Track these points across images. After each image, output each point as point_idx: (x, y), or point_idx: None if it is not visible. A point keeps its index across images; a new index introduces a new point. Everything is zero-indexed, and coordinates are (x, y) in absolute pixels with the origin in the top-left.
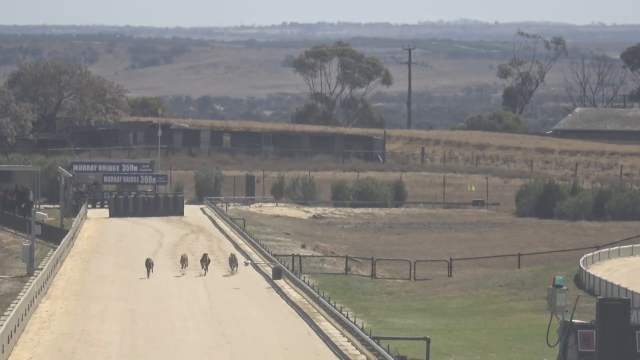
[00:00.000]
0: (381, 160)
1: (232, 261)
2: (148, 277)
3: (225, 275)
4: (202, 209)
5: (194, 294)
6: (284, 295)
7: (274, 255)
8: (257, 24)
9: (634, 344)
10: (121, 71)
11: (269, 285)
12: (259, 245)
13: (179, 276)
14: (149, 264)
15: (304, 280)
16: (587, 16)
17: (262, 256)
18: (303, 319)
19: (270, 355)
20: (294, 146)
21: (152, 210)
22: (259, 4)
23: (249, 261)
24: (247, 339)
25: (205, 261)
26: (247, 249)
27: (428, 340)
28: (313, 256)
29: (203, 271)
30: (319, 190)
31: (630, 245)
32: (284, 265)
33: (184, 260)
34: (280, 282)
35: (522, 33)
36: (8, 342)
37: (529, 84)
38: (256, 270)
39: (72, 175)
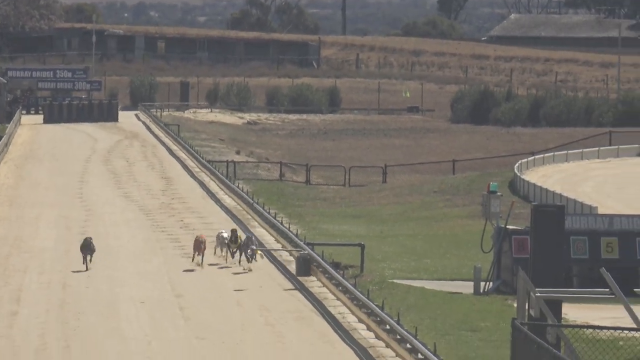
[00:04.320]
0: (316, 66)
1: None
2: (83, 264)
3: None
4: (136, 115)
5: (124, 208)
6: (218, 202)
7: (209, 162)
8: None
9: (569, 249)
10: None
11: (204, 193)
12: (193, 152)
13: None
14: (87, 249)
15: (238, 187)
16: None
17: (196, 162)
18: (237, 224)
19: (206, 258)
20: (229, 52)
21: (86, 116)
22: None
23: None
24: (181, 242)
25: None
26: (182, 154)
27: (362, 247)
28: (247, 162)
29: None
30: (253, 97)
31: (565, 152)
32: (218, 171)
33: (199, 246)
34: (215, 189)
35: None
36: None
37: None
38: (192, 178)
39: (6, 82)
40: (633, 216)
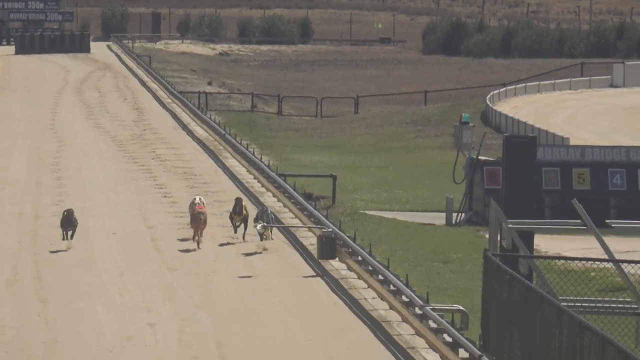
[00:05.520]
0: None
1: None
2: (63, 239)
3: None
4: (108, 46)
5: (96, 139)
6: (190, 133)
7: (180, 93)
8: None
9: (540, 180)
10: None
11: (176, 124)
12: (165, 83)
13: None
14: (67, 224)
15: (209, 118)
16: None
17: (167, 93)
18: (209, 155)
19: (176, 187)
20: None
21: (58, 47)
22: None
23: None
24: (153, 173)
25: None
26: (154, 86)
27: (334, 178)
28: (219, 93)
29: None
30: (225, 28)
31: (537, 83)
32: (190, 102)
33: (198, 217)
34: (186, 120)
35: None
36: None
37: None
38: (164, 109)
39: None
40: (605, 147)
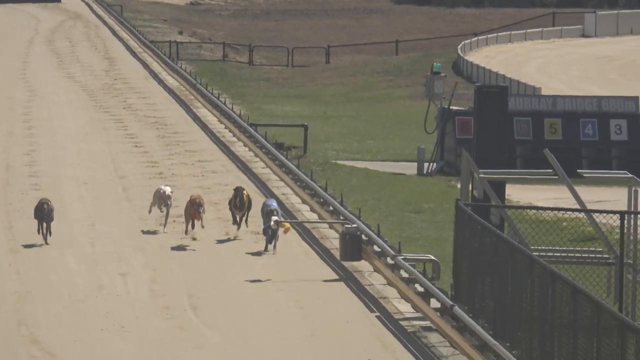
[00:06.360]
0: None
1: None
2: (39, 233)
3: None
4: None
5: (67, 89)
6: (161, 82)
7: (152, 42)
8: None
9: (512, 130)
10: None
11: (147, 74)
12: (136, 32)
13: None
14: (42, 217)
15: (180, 67)
16: None
17: (139, 43)
18: (180, 105)
19: (147, 137)
20: None
21: None
22: None
23: None
24: (124, 123)
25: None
26: (125, 35)
27: (306, 127)
28: (190, 43)
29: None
30: None
31: (508, 32)
32: (161, 51)
33: (195, 204)
34: (157, 69)
35: None
36: None
37: None
38: (135, 58)
39: None
40: (576, 97)
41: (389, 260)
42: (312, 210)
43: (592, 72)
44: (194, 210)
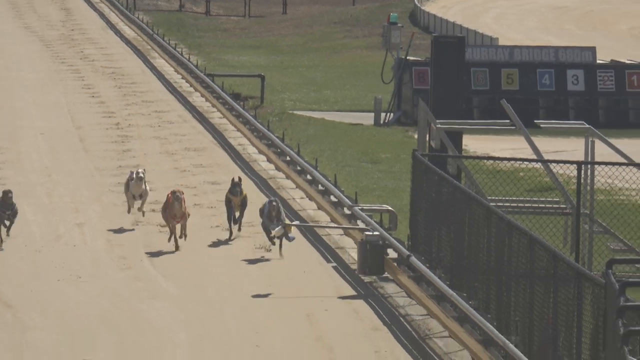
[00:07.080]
0: None
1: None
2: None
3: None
4: None
5: (24, 40)
6: (118, 33)
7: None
8: None
9: (469, 81)
10: None
11: (104, 24)
12: None
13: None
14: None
15: (138, 18)
16: None
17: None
18: (137, 55)
19: (104, 87)
20: None
21: None
22: None
23: None
24: (81, 73)
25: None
26: None
27: (262, 78)
28: None
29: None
30: None
31: None
32: (118, 2)
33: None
34: (115, 20)
35: None
36: None
37: None
38: (92, 9)
39: None
40: (534, 47)
41: (345, 210)
42: (269, 160)
43: (550, 22)
44: (175, 210)
